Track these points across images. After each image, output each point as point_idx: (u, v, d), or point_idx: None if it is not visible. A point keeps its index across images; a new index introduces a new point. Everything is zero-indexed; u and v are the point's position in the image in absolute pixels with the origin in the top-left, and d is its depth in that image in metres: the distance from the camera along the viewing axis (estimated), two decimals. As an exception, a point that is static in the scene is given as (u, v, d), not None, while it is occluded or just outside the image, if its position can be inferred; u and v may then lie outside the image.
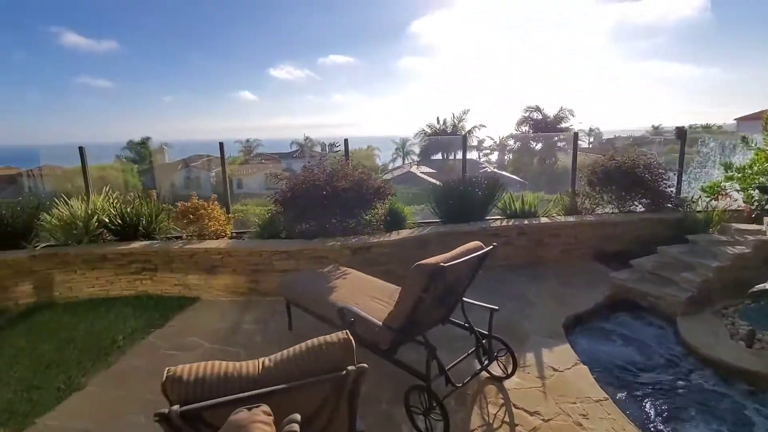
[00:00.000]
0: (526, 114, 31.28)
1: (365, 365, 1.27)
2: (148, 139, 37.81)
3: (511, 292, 4.26)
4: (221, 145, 5.47)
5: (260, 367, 1.26)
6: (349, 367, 1.25)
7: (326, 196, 4.52)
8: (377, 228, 4.93)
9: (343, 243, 4.45)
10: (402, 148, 48.54)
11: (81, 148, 5.01)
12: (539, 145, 30.54)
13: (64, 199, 4.75)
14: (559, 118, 30.18)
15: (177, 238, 5.02)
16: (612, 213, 5.62)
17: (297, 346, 1.32)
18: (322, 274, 3.70)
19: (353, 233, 4.74)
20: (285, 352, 1.31)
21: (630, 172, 5.44)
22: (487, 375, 2.89)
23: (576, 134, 5.93)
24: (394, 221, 5.10)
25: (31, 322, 4.01)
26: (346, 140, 5.62)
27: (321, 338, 1.34)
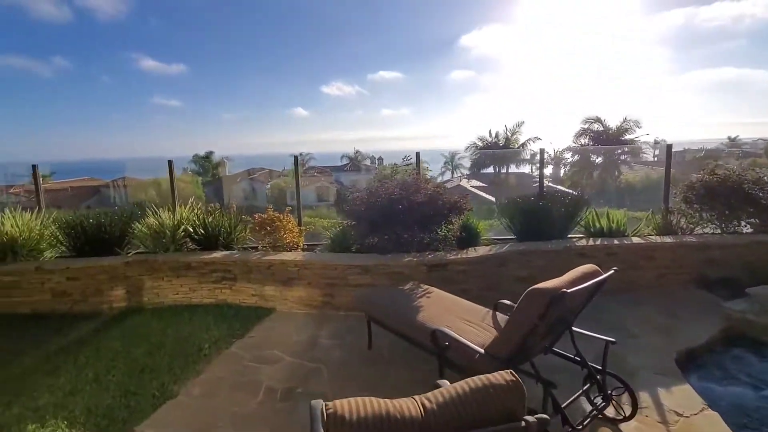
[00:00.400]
0: (586, 126, 29.65)
1: (547, 416, 1.09)
2: (211, 153, 40.38)
3: (606, 320, 3.86)
4: (296, 158, 5.58)
5: (421, 408, 1.12)
6: (528, 418, 1.08)
7: (402, 210, 4.41)
8: (449, 244, 4.74)
9: (419, 259, 4.31)
10: (451, 161, 48.04)
11: (170, 162, 5.31)
12: (600, 159, 28.84)
13: (153, 208, 5.04)
14: (622, 130, 28.27)
15: (252, 248, 5.14)
16: (713, 234, 5.02)
17: (458, 386, 1.17)
18: (404, 292, 3.56)
19: (427, 249, 4.59)
20: (445, 392, 1.16)
21: (737, 188, 4.85)
22: (600, 416, 2.57)
23: (669, 146, 5.41)
24: (468, 237, 4.88)
25: (124, 326, 4.22)
26: (417, 153, 5.52)
27: (484, 378, 1.18)
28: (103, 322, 4.36)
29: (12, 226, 4.76)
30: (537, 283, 2.24)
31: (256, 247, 5.15)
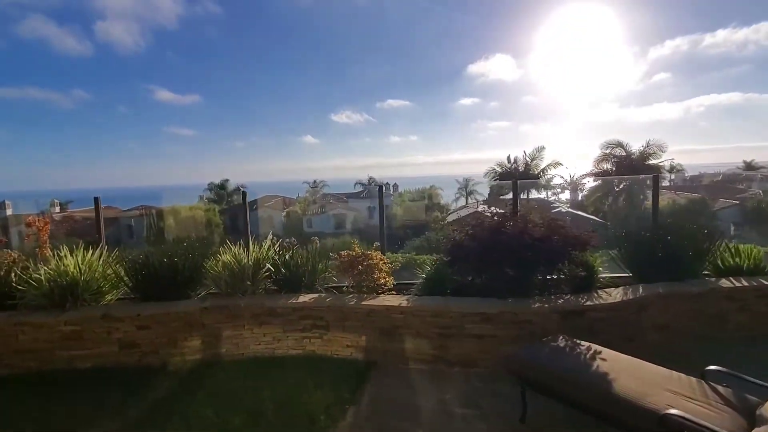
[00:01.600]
0: (607, 150, 29.23)
1: None
2: (226, 181, 40.39)
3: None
4: (380, 189, 5.06)
5: None
6: None
7: (522, 246, 3.84)
8: (568, 285, 4.12)
9: (551, 305, 3.69)
10: (465, 187, 47.83)
11: (243, 193, 4.84)
12: (623, 184, 28.28)
13: (228, 245, 4.51)
14: (646, 155, 27.80)
15: (335, 289, 4.55)
16: None
17: None
18: (565, 351, 2.94)
19: (546, 291, 3.98)
20: None
21: None
22: None
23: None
24: (589, 277, 4.27)
25: (207, 385, 3.59)
26: (514, 182, 4.99)
27: None
28: (181, 380, 3.74)
29: (74, 266, 4.22)
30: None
31: (341, 287, 4.56)
